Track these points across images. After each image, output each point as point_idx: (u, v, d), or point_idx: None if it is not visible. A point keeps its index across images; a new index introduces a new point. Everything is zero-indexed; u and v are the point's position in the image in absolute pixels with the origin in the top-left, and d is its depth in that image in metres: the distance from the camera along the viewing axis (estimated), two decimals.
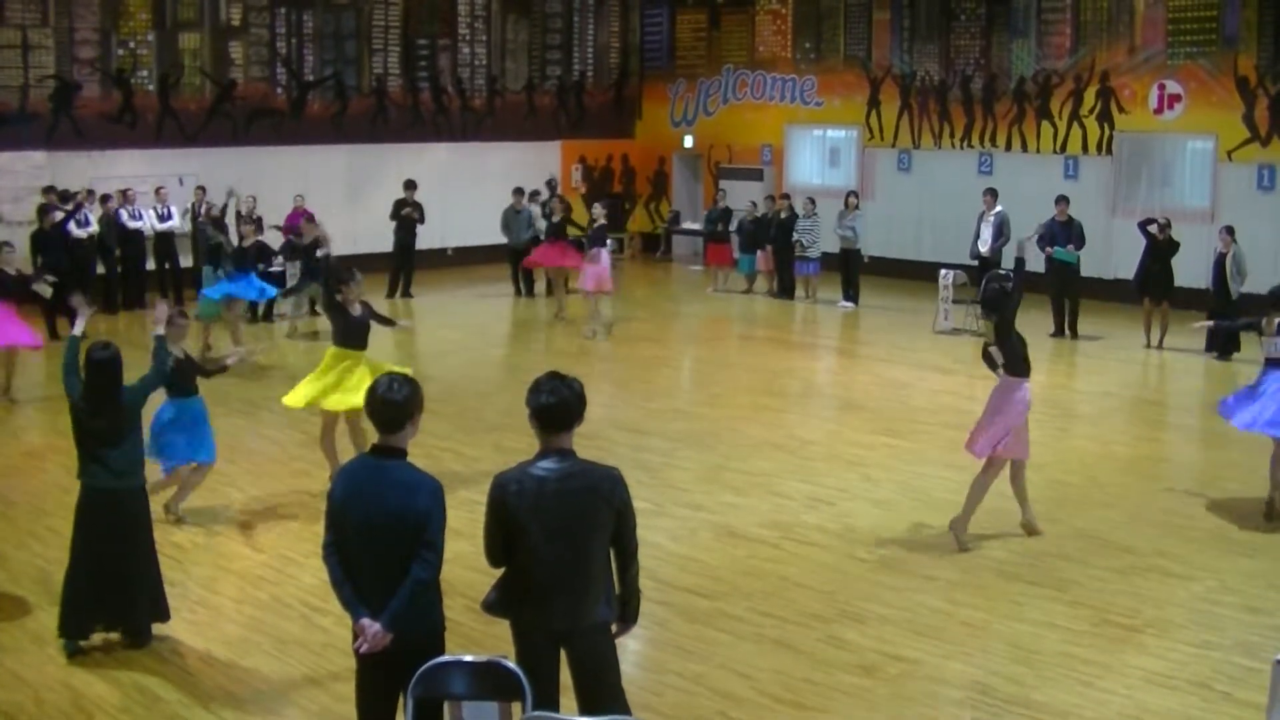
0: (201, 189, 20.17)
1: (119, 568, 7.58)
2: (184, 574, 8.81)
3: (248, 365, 15.65)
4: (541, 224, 21.70)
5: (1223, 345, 16.31)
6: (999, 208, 19.02)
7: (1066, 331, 18.07)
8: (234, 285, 16.75)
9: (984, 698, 7.12)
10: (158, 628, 7.80)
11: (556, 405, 5.31)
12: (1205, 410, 13.91)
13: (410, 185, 21.36)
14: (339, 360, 10.82)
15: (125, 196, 19.78)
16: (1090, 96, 21.48)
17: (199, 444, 10.00)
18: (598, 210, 19.32)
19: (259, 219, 18.32)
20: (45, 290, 15.47)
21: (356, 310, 10.90)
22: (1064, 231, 17.97)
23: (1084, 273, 18.46)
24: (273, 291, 17.77)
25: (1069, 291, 18.08)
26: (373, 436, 5.41)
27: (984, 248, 18.97)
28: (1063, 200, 18.27)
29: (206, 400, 14.22)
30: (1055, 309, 18.15)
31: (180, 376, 9.68)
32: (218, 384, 14.92)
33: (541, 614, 5.36)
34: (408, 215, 21.24)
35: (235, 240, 18.21)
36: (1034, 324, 18.38)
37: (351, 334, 10.87)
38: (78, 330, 8.07)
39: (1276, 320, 10.43)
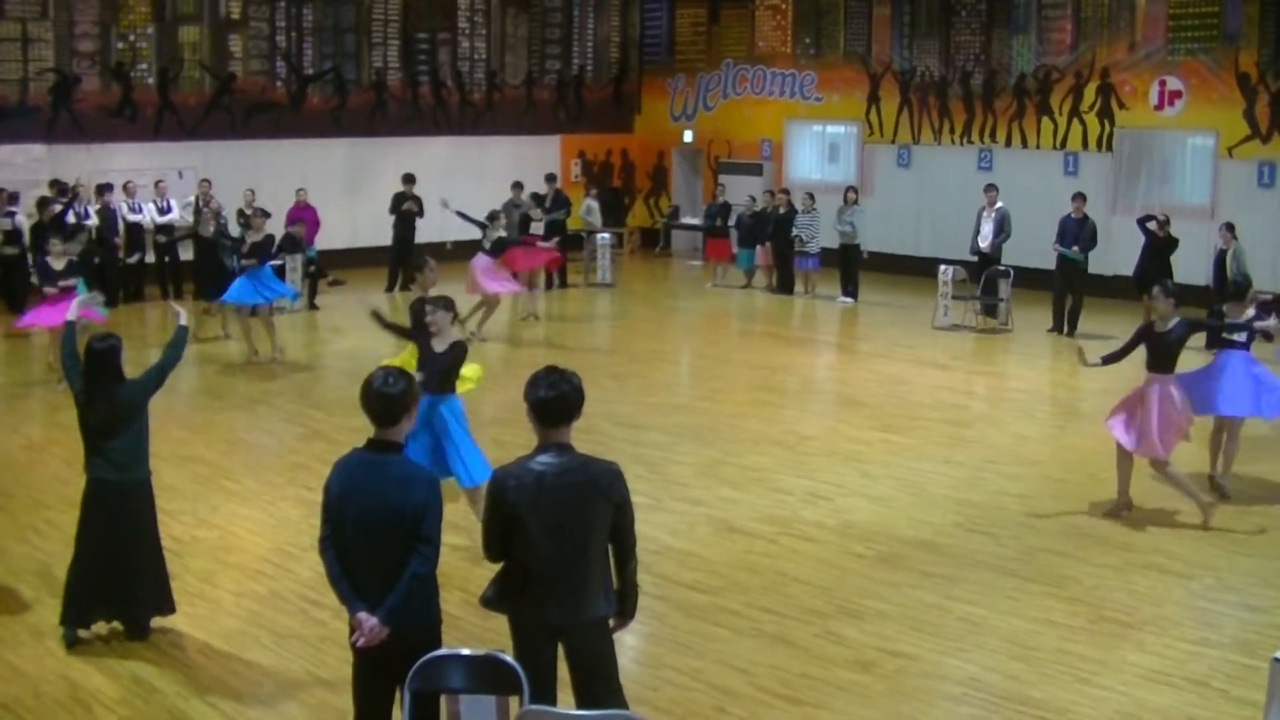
0: (206, 182, 20.13)
1: (121, 560, 7.58)
2: (182, 567, 8.80)
3: (246, 358, 15.69)
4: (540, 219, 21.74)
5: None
6: (1000, 204, 19.03)
7: (1065, 328, 18.08)
8: (247, 287, 16.06)
9: (981, 694, 7.12)
10: (156, 620, 7.80)
11: (555, 400, 5.31)
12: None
13: (409, 179, 21.35)
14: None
15: (125, 189, 19.78)
16: (1090, 92, 21.48)
17: (457, 460, 9.06)
18: (499, 221, 18.45)
19: (243, 217, 18.37)
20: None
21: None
22: (1075, 228, 17.99)
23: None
24: (286, 291, 17.31)
25: (1073, 289, 18.08)
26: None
27: (984, 243, 18.99)
28: (1079, 198, 18.20)
29: (205, 395, 14.27)
30: (1056, 306, 18.19)
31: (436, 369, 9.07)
32: (218, 378, 14.99)
33: (539, 609, 5.35)
34: (407, 209, 21.23)
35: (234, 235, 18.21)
36: (1034, 321, 18.54)
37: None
38: (71, 315, 8.01)
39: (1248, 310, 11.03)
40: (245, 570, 8.97)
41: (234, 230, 19.57)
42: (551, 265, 20.89)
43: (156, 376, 7.74)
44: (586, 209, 23.97)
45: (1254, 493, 10.96)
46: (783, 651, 7.68)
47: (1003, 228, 18.89)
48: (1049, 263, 18.41)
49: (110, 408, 7.48)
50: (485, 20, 25.60)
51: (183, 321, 8.02)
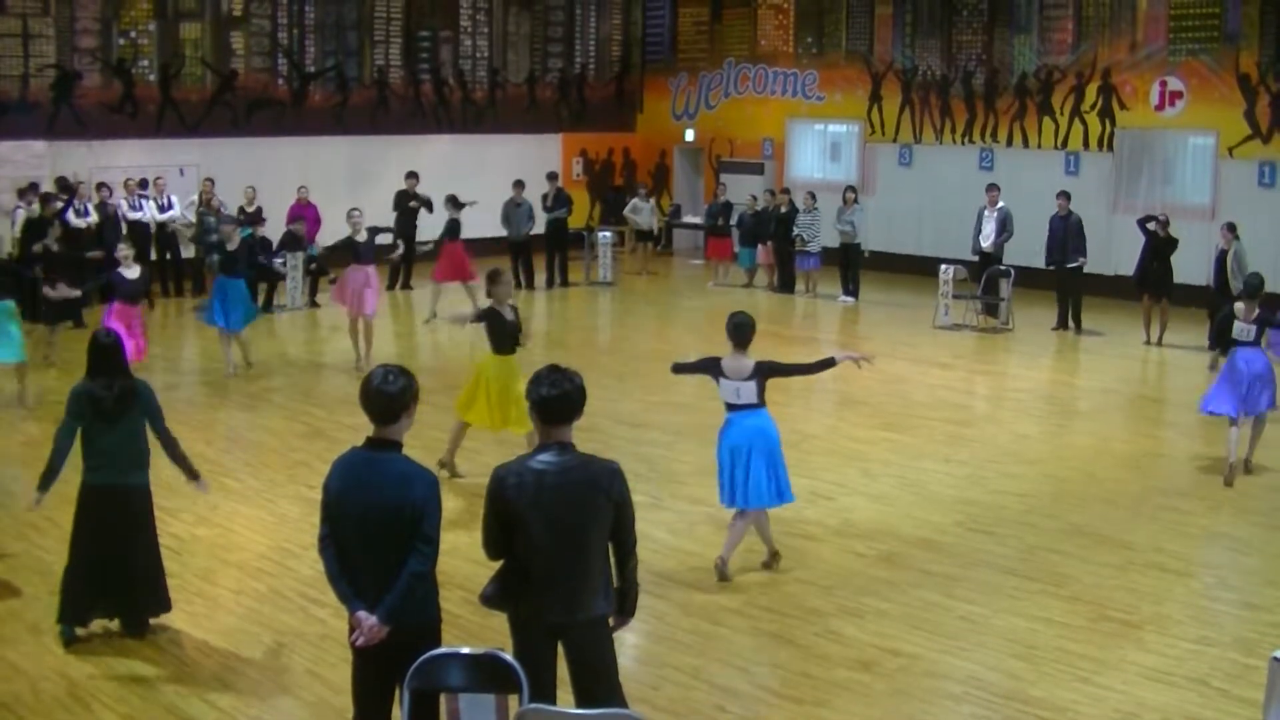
0: (210, 181, 20.08)
1: (118, 562, 7.56)
2: (182, 565, 8.80)
3: (249, 359, 15.65)
4: (542, 217, 21.72)
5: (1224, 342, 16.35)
6: (1001, 203, 19.03)
7: (1070, 324, 18.21)
8: (223, 308, 14.84)
9: (981, 693, 7.12)
10: (156, 618, 7.80)
11: (557, 398, 5.30)
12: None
13: (412, 176, 21.27)
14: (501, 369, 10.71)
15: (126, 187, 19.76)
16: (1092, 92, 21.47)
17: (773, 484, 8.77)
18: (356, 218, 15.90)
19: (243, 215, 18.14)
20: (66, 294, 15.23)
21: (509, 314, 10.81)
22: (1061, 226, 18.12)
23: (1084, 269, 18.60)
24: (242, 319, 15.15)
25: (1072, 288, 18.23)
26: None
27: (986, 243, 19.00)
28: (1063, 195, 18.40)
29: (205, 393, 14.23)
30: (1060, 305, 18.34)
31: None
32: (218, 376, 14.95)
33: (539, 607, 5.35)
34: (414, 209, 21.09)
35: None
36: (1034, 321, 18.55)
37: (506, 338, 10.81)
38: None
39: (1257, 309, 11.19)
40: (245, 568, 8.96)
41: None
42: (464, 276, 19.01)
43: (159, 426, 7.72)
44: (633, 208, 23.90)
45: (1254, 492, 10.96)
46: (783, 650, 7.68)
47: (1004, 227, 18.92)
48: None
49: (120, 404, 7.42)
50: (487, 18, 25.59)
51: (201, 489, 8.19)
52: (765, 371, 8.58)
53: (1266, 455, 11.99)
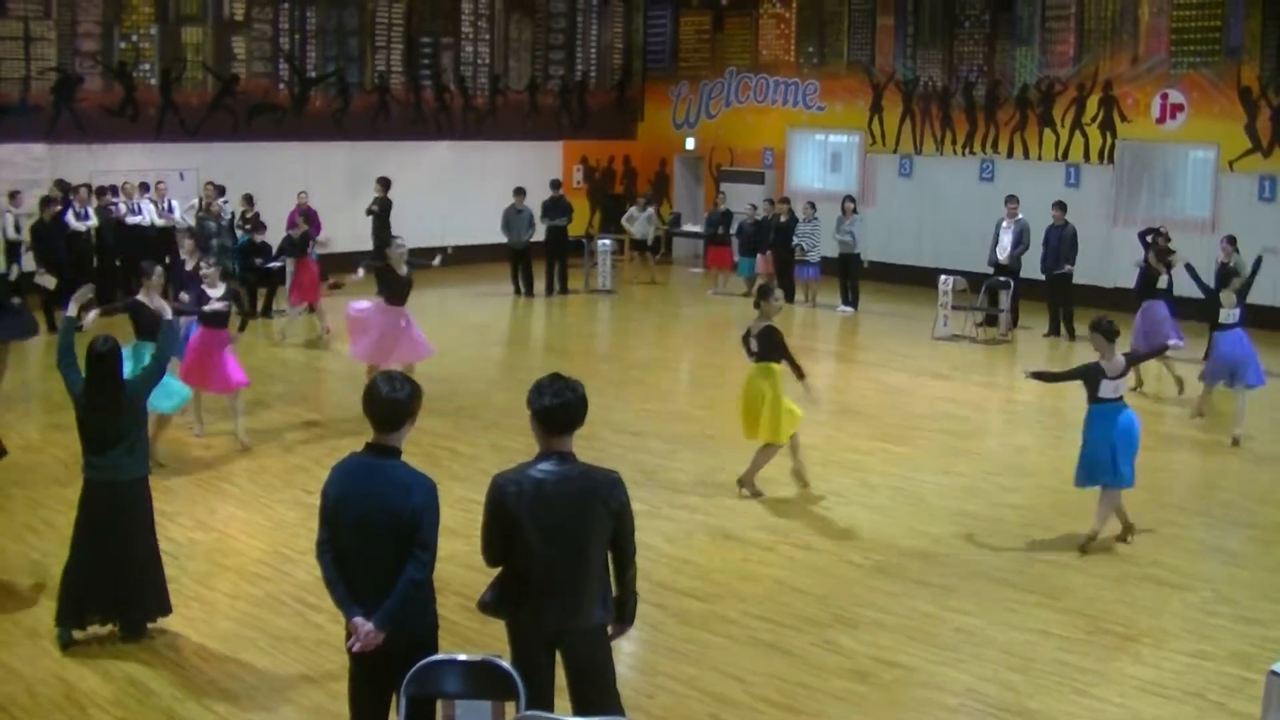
0: (211, 184, 20.05)
1: (118, 562, 7.57)
2: (179, 569, 8.79)
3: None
4: (542, 226, 21.71)
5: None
6: (1020, 216, 19.00)
7: (1063, 331, 18.35)
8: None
9: (977, 704, 7.12)
10: (154, 621, 7.80)
11: (559, 408, 5.30)
12: (1202, 420, 13.92)
13: (380, 182, 21.26)
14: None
15: (125, 190, 19.74)
16: (1093, 105, 21.50)
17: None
18: (400, 249, 13.69)
19: (243, 221, 17.91)
20: (49, 282, 15.34)
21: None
22: (1057, 235, 18.28)
23: (1080, 280, 18.88)
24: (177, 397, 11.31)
25: (1063, 300, 18.45)
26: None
27: (1003, 255, 18.95)
28: (1058, 206, 18.73)
29: (203, 396, 14.22)
30: (1052, 313, 18.66)
31: None
32: None
33: (537, 614, 5.35)
34: (379, 214, 21.10)
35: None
36: (1033, 332, 18.57)
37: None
38: (70, 311, 8.06)
39: (1234, 294, 13.18)
40: (242, 573, 8.96)
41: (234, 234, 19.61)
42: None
43: (156, 369, 7.82)
44: (629, 217, 23.88)
45: (1251, 507, 10.97)
46: (779, 660, 7.67)
47: (1021, 239, 18.88)
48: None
49: (116, 409, 7.47)
50: (489, 25, 25.61)
51: (167, 315, 8.26)
52: (1132, 360, 9.98)
53: (1264, 467, 12.02)
